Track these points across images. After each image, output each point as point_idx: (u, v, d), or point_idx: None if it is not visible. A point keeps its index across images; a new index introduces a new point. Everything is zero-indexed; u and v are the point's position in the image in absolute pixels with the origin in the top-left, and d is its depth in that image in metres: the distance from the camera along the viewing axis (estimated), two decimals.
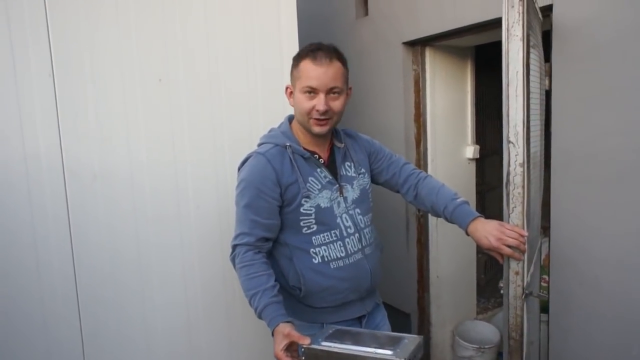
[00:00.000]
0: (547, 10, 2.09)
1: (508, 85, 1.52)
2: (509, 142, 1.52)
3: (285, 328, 1.45)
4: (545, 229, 2.32)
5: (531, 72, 2.06)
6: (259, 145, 1.70)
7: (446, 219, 1.71)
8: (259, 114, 2.10)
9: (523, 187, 1.51)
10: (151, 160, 1.88)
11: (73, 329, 1.80)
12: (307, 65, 1.57)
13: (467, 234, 1.64)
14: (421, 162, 3.00)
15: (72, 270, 1.77)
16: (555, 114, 2.12)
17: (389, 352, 1.32)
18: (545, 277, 2.44)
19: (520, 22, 1.46)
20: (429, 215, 2.89)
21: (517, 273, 1.55)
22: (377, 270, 1.77)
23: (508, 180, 1.53)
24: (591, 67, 1.98)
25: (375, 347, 1.36)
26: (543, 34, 2.18)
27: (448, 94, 2.95)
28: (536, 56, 2.08)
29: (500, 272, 3.21)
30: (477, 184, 3.20)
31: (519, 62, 1.49)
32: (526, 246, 1.53)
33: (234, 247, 1.62)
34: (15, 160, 1.63)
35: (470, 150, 3.06)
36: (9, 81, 1.60)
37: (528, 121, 1.53)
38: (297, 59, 1.61)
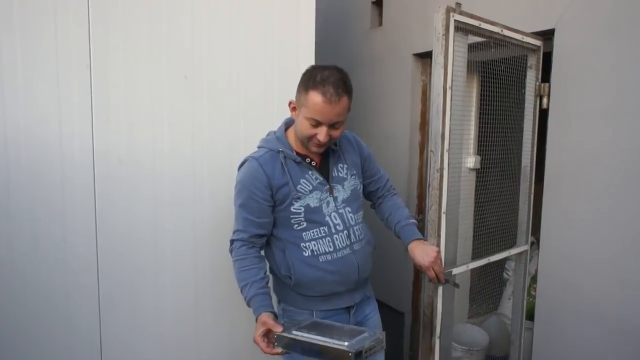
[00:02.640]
0: (549, 33, 2.23)
1: (432, 104, 1.79)
2: (430, 151, 1.87)
3: (264, 317, 1.62)
4: (538, 241, 2.45)
5: (527, 92, 2.22)
6: (258, 147, 1.83)
7: (394, 231, 1.96)
8: (274, 111, 2.23)
9: (440, 189, 1.85)
10: (172, 150, 2.03)
11: (91, 301, 1.95)
12: (315, 98, 1.59)
13: (406, 249, 1.89)
14: (424, 168, 3.14)
15: (94, 246, 1.92)
16: (550, 131, 2.25)
17: (344, 343, 1.46)
18: (535, 286, 2.58)
19: (442, 53, 1.76)
20: (427, 220, 3.03)
21: None
22: (365, 265, 1.89)
23: (428, 182, 1.84)
24: (586, 90, 2.10)
25: (336, 338, 1.49)
26: (544, 55, 2.32)
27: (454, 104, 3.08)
28: (532, 77, 2.23)
29: (494, 280, 3.35)
30: (477, 194, 3.32)
31: (439, 85, 1.76)
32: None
33: (232, 242, 1.78)
34: (52, 141, 1.79)
35: (472, 161, 3.18)
36: (51, 70, 1.76)
37: (448, 134, 1.84)
38: (307, 87, 1.62)
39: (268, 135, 1.87)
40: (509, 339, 2.63)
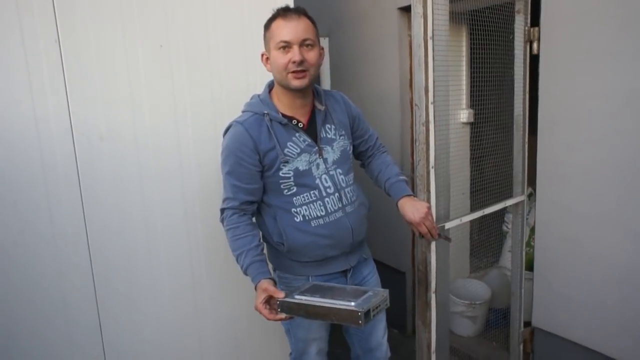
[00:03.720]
0: None
1: (414, 56, 1.75)
2: (415, 105, 1.82)
3: (264, 284, 1.59)
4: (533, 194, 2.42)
5: (516, 38, 2.14)
6: (242, 112, 1.77)
7: (384, 189, 1.92)
8: (256, 76, 2.15)
9: (427, 143, 1.82)
10: (154, 122, 1.97)
11: (86, 284, 1.92)
12: (278, 23, 1.63)
13: (397, 206, 1.86)
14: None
15: (83, 228, 1.88)
16: (542, 78, 2.18)
17: (351, 303, 1.44)
18: (535, 236, 2.56)
19: (421, 1, 1.71)
20: (416, 175, 3.00)
21: None
22: (360, 227, 1.85)
23: (415, 137, 1.84)
24: (578, 31, 2.03)
25: (341, 299, 1.48)
26: None
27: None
28: (521, 22, 2.15)
29: (494, 234, 3.33)
30: (472, 148, 3.27)
31: (420, 36, 1.73)
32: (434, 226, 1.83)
33: (222, 210, 1.74)
34: (26, 123, 1.72)
35: (465, 114, 3.13)
36: (17, 48, 1.68)
37: (432, 87, 1.79)
38: (268, 23, 1.67)
39: (252, 98, 1.81)
40: (510, 291, 2.63)
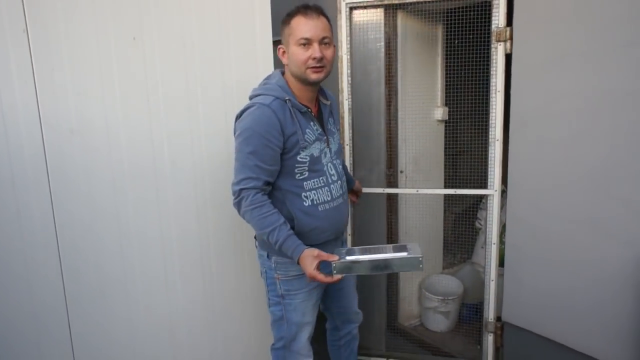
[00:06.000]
0: None
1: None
2: (338, 101, 2.45)
3: (313, 251, 1.71)
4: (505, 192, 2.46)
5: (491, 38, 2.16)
6: (256, 96, 1.80)
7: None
8: (232, 73, 2.14)
9: (342, 125, 2.54)
10: (126, 115, 1.93)
11: (55, 280, 1.89)
12: (299, 20, 1.74)
13: (354, 186, 2.37)
14: (392, 122, 3.08)
15: (52, 219, 1.85)
16: (514, 77, 2.21)
17: (405, 254, 1.66)
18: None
19: (338, 30, 2.45)
20: (398, 174, 3.02)
21: None
22: (349, 212, 2.05)
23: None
24: (549, 31, 2.06)
25: (394, 252, 1.65)
26: None
27: (419, 56, 3.02)
28: (494, 21, 2.17)
29: (467, 230, 3.37)
30: (447, 146, 3.31)
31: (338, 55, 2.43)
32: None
33: (240, 190, 1.74)
34: None
35: (440, 112, 3.15)
36: None
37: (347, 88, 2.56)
38: (288, 19, 1.78)
39: (266, 84, 1.87)
40: (482, 286, 2.66)
